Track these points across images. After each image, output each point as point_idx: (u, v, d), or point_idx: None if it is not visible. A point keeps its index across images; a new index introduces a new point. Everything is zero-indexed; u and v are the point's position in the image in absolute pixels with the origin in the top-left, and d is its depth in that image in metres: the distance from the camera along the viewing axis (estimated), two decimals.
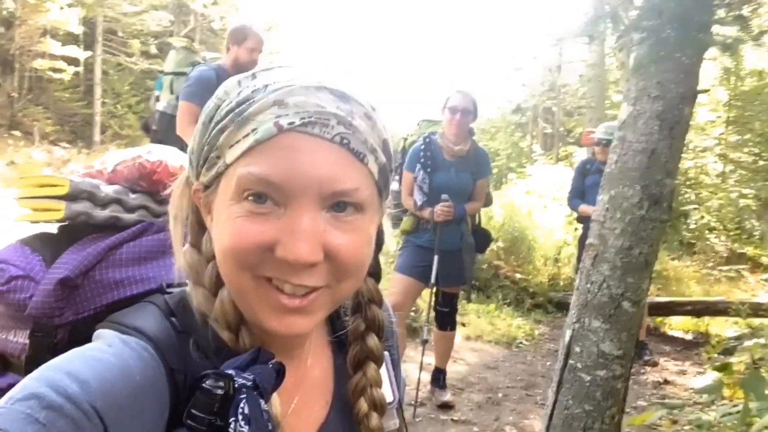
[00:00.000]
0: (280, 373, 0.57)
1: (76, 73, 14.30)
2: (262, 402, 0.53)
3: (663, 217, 2.14)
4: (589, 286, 2.22)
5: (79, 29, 13.96)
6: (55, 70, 13.54)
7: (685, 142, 2.17)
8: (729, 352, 4.20)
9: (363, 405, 0.67)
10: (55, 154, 12.45)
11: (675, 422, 3.55)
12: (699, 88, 2.16)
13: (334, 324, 0.73)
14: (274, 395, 0.57)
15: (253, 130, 0.53)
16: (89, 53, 14.20)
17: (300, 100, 0.53)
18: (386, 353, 0.73)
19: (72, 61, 13.72)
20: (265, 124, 0.53)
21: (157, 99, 3.77)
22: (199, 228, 0.63)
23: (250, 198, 0.53)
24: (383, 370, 0.71)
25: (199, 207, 0.61)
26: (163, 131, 3.51)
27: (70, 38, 14.06)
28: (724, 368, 2.44)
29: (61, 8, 13.15)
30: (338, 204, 0.54)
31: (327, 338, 0.72)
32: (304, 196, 0.53)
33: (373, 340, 0.69)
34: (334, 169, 0.53)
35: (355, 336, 0.70)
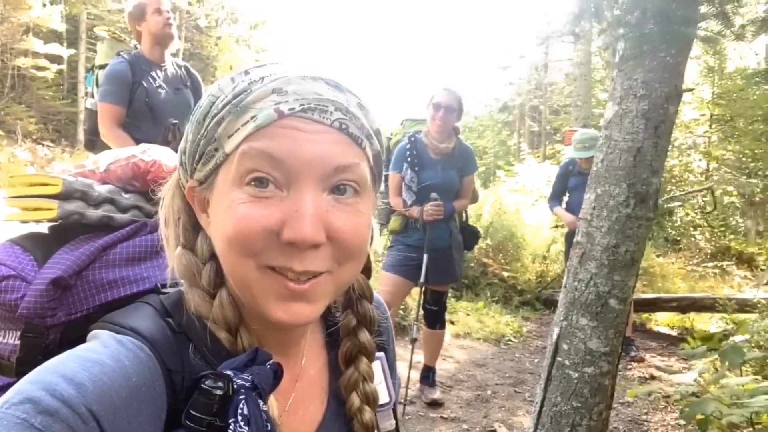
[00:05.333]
0: (277, 373, 0.57)
1: (60, 72, 14.16)
2: (261, 402, 0.53)
3: (649, 215, 2.17)
4: (576, 284, 2.24)
5: (62, 27, 13.82)
6: (38, 68, 13.40)
7: (670, 141, 2.20)
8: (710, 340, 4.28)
9: (355, 400, 0.68)
10: (39, 153, 12.31)
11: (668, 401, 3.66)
12: (684, 87, 2.18)
13: (327, 322, 0.73)
14: (271, 395, 0.57)
15: (253, 117, 0.53)
16: (73, 51, 14.06)
17: (298, 88, 0.54)
18: (382, 353, 0.74)
19: (55, 59, 13.58)
20: (265, 111, 0.53)
21: (86, 95, 3.33)
22: (192, 229, 0.62)
23: (252, 183, 0.53)
24: (379, 371, 0.72)
25: (192, 206, 0.61)
26: (91, 131, 3.10)
27: (53, 36, 13.91)
28: (710, 338, 2.56)
29: (44, 5, 13.01)
30: (339, 186, 0.55)
31: (321, 336, 0.73)
32: (307, 176, 0.53)
33: (365, 335, 0.70)
34: (334, 147, 0.55)
35: (347, 332, 0.70)
